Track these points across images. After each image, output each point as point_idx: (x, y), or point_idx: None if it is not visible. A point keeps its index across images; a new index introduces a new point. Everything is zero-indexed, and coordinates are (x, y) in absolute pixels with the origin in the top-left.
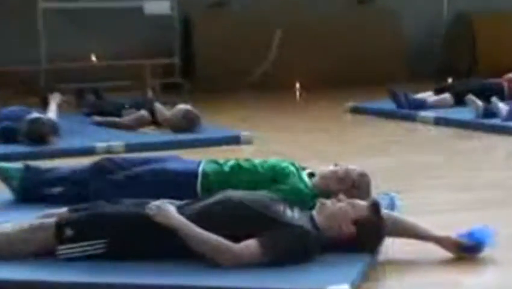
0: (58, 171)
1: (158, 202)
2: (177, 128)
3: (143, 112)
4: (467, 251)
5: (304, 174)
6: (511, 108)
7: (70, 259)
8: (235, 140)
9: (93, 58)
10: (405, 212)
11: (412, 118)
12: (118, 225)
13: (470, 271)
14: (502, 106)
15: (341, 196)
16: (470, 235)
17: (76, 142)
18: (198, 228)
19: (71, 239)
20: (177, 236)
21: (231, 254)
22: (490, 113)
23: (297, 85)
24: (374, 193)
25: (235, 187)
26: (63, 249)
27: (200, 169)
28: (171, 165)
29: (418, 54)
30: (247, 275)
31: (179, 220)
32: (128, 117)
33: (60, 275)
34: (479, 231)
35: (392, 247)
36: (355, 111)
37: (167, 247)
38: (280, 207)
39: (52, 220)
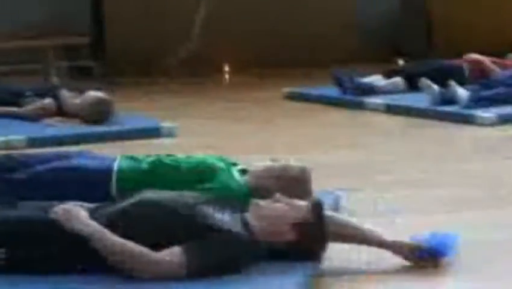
0: None
1: (65, 205)
2: (87, 119)
3: (47, 101)
4: (423, 258)
5: (235, 171)
6: (471, 92)
7: None
8: (155, 132)
9: None
10: (352, 213)
11: (359, 106)
12: (19, 232)
13: (427, 281)
14: (461, 91)
15: (279, 196)
16: (428, 240)
17: None
18: (112, 235)
19: None
20: (89, 245)
21: (150, 265)
22: (447, 99)
23: (226, 67)
24: (316, 192)
25: (156, 187)
26: None
27: (115, 166)
28: (81, 162)
29: (367, 32)
30: (165, 287)
31: (90, 226)
32: (30, 106)
33: None
34: (438, 236)
35: (337, 253)
36: (294, 97)
37: (77, 257)
38: (208, 209)
39: None
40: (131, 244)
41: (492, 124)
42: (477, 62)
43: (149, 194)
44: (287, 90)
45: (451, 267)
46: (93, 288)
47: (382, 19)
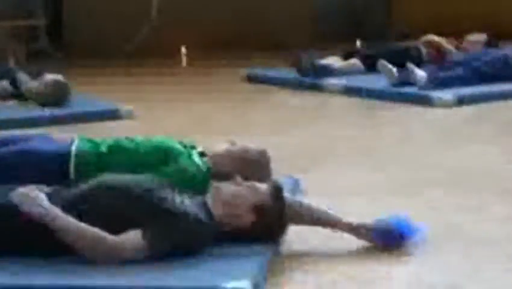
0: None
1: (24, 189)
2: (45, 101)
3: (4, 83)
4: (384, 241)
5: (194, 154)
6: (429, 74)
7: None
8: (114, 115)
9: None
10: (311, 196)
11: (318, 88)
12: None
13: (386, 264)
14: (419, 72)
15: (238, 179)
16: (391, 222)
17: None
18: (71, 218)
19: None
20: (47, 228)
21: (109, 248)
22: (405, 80)
23: (184, 49)
24: (275, 175)
25: (114, 170)
26: None
27: (73, 149)
28: (39, 145)
29: (326, 14)
30: (127, 272)
31: (48, 209)
32: None
33: None
34: (401, 218)
35: (297, 236)
36: (252, 79)
37: (36, 241)
38: (167, 192)
39: None
40: (88, 228)
41: (450, 105)
42: (435, 44)
43: (108, 178)
44: (245, 71)
45: (413, 248)
46: (47, 274)
47: (341, 1)
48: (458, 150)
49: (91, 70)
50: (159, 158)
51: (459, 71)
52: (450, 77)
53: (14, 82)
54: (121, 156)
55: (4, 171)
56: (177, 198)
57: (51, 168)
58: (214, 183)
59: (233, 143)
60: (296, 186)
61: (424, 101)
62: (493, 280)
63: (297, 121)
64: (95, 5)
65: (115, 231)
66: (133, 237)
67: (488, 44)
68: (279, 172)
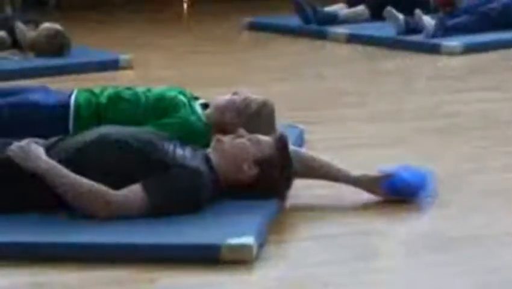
0: None
1: (21, 142)
2: (43, 52)
3: (1, 33)
4: (393, 192)
5: (196, 105)
6: (437, 21)
7: None
8: (113, 65)
9: None
10: (316, 148)
11: (321, 36)
12: None
13: (396, 218)
14: (427, 20)
15: (241, 131)
16: (398, 172)
17: None
18: (69, 172)
19: None
20: (44, 183)
21: (108, 202)
22: (412, 28)
23: None
24: (279, 126)
25: (114, 122)
26: None
27: (72, 101)
28: (37, 97)
29: None
30: (125, 228)
31: (46, 163)
32: None
33: None
34: (411, 169)
35: (303, 190)
36: (254, 27)
37: (33, 196)
38: (169, 145)
39: None
40: (87, 182)
41: (457, 53)
42: None
43: (107, 130)
44: (247, 19)
45: (422, 200)
46: (42, 230)
47: None
48: (462, 98)
49: (90, 18)
50: (160, 109)
51: (468, 18)
52: (459, 25)
53: (11, 32)
54: (121, 107)
55: (1, 123)
56: (179, 152)
57: (49, 121)
58: (217, 136)
59: (235, 94)
60: (300, 137)
61: (431, 49)
62: None
63: (300, 70)
64: None
65: (114, 186)
66: (134, 191)
67: None
68: (283, 123)
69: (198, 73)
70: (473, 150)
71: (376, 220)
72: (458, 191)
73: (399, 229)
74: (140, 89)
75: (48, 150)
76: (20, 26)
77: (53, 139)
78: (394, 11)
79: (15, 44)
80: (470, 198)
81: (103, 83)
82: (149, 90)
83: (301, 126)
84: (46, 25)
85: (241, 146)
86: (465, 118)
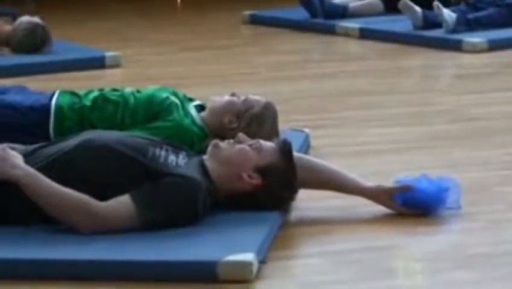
0: None
1: None
2: (20, 48)
3: None
4: (410, 206)
5: (191, 107)
6: (459, 15)
7: None
8: (99, 62)
9: None
10: (323, 154)
11: (330, 30)
12: None
13: (413, 232)
14: (447, 13)
15: (241, 135)
16: (416, 183)
17: None
18: (50, 181)
19: None
20: (23, 193)
21: (93, 214)
22: (431, 22)
23: None
24: (282, 130)
25: (100, 126)
26: None
27: (53, 103)
28: (14, 98)
29: None
30: (114, 244)
31: (25, 171)
32: None
33: None
34: (429, 179)
35: (308, 202)
36: (255, 21)
37: (10, 208)
38: (160, 151)
39: None
40: (70, 192)
41: (481, 50)
42: None
43: (93, 135)
44: (247, 12)
45: (442, 214)
46: (22, 246)
47: None
48: (487, 99)
49: (73, 11)
50: (150, 112)
51: (492, 11)
52: (483, 18)
53: None
54: (107, 110)
55: None
56: (171, 158)
57: (28, 125)
58: (213, 141)
59: (234, 95)
60: (305, 143)
61: (453, 46)
62: None
63: (307, 68)
64: None
65: (100, 197)
66: (122, 203)
67: None
68: (287, 126)
69: (193, 71)
70: (502, 157)
71: (390, 234)
72: (484, 202)
73: (416, 245)
74: (128, 90)
75: (26, 157)
76: None
77: (32, 146)
78: (410, 3)
79: None
80: (498, 210)
81: (87, 84)
82: (138, 91)
83: (306, 130)
84: (24, 18)
85: (240, 152)
86: (491, 121)
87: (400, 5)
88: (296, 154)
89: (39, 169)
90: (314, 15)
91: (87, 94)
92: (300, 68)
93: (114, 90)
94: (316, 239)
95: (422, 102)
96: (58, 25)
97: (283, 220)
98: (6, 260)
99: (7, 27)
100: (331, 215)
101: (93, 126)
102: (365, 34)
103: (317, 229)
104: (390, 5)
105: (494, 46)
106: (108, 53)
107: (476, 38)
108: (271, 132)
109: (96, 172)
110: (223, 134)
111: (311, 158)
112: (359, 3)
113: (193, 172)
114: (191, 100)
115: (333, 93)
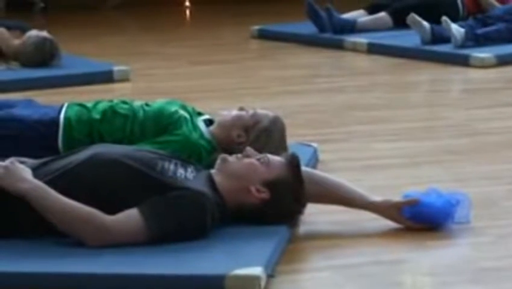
0: None
1: (5, 162)
2: (29, 62)
3: None
4: (418, 220)
5: (200, 121)
6: (467, 30)
7: None
8: (107, 76)
9: None
10: (331, 168)
11: (338, 45)
12: None
13: (422, 246)
14: (456, 28)
15: (249, 150)
16: (424, 198)
17: None
18: (59, 195)
19: None
20: (32, 206)
21: (102, 228)
22: (439, 37)
23: (187, 2)
24: (291, 144)
25: (108, 139)
26: None
27: (62, 116)
28: (22, 112)
29: None
30: (121, 257)
31: (33, 185)
32: None
33: None
34: (438, 194)
35: (317, 216)
36: (264, 35)
37: (18, 221)
38: (169, 165)
39: None
40: (78, 205)
41: (490, 65)
42: None
43: (101, 149)
44: (256, 27)
45: (450, 228)
46: (31, 259)
47: None
48: (495, 114)
49: (81, 24)
50: (159, 125)
51: (501, 26)
52: (491, 34)
53: None
54: (116, 123)
55: None
56: (180, 172)
57: (36, 139)
58: (222, 155)
59: (242, 109)
60: (313, 157)
61: (461, 61)
62: None
63: (315, 83)
64: None
65: (109, 211)
66: (130, 217)
67: None
68: (295, 140)
69: (201, 85)
70: (510, 172)
71: (399, 248)
72: (493, 217)
73: (424, 259)
74: (138, 103)
75: (35, 171)
76: (3, 33)
77: (41, 160)
78: (419, 18)
79: None
80: (507, 225)
81: (96, 98)
82: (147, 104)
83: (315, 144)
84: (33, 32)
85: (249, 167)
86: (499, 136)
87: (408, 20)
88: (304, 168)
89: (48, 183)
90: (322, 30)
91: (95, 105)
92: (309, 82)
93: (124, 102)
94: (325, 253)
95: (430, 116)
96: (66, 39)
97: (291, 234)
98: (14, 273)
99: (16, 41)
100: (339, 229)
101: (102, 139)
102: (374, 49)
103: (325, 243)
104: (398, 20)
105: (502, 61)
106: (117, 67)
107: (484, 54)
108: (280, 146)
109: (105, 186)
110: (231, 148)
111: (319, 172)
112: (367, 18)
113: (202, 186)
114: (200, 114)
115: (341, 107)
